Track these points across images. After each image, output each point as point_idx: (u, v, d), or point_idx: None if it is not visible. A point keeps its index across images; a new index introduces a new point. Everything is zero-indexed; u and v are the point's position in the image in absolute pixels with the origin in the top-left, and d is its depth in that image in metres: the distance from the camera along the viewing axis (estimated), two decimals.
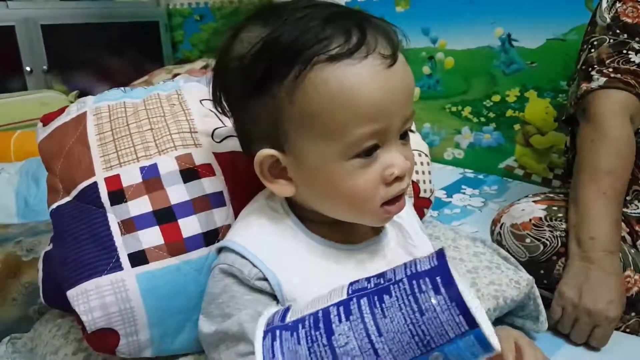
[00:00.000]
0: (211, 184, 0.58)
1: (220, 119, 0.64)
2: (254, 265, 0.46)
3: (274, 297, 0.46)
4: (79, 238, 0.54)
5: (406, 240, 0.55)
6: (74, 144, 0.60)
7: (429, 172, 0.81)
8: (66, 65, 2.11)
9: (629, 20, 0.90)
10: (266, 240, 0.49)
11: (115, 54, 2.20)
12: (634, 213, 0.92)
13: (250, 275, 0.46)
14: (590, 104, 0.86)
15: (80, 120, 0.62)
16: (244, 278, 0.46)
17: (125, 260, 0.53)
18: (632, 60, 0.88)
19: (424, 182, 0.80)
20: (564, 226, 0.83)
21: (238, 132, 0.53)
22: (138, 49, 2.27)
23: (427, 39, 1.62)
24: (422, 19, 1.62)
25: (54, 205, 0.58)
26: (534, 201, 0.92)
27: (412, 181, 0.78)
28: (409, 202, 0.63)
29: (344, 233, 0.51)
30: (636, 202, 0.92)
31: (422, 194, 0.80)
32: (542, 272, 0.83)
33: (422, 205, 0.80)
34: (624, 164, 0.82)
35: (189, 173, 0.58)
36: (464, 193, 1.42)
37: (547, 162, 1.45)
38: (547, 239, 0.83)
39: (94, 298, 0.51)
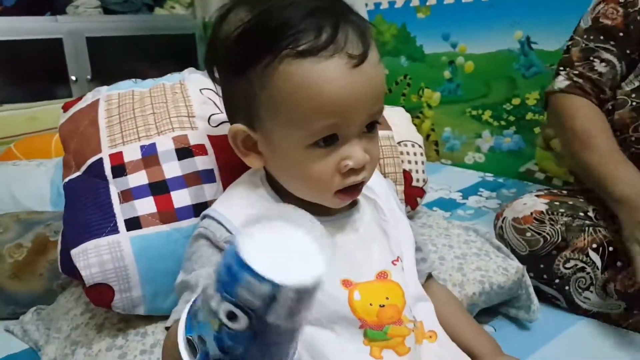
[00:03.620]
0: (203, 162, 0.64)
1: (217, 106, 0.70)
2: (227, 230, 0.51)
3: None
4: (85, 205, 0.61)
5: (380, 216, 0.58)
6: (87, 126, 0.67)
7: (422, 162, 0.83)
8: (108, 75, 2.19)
9: (608, 22, 0.93)
10: (243, 209, 0.53)
11: (153, 64, 2.32)
12: None
13: (221, 238, 0.51)
14: (552, 103, 0.99)
15: (93, 106, 0.70)
16: (215, 240, 0.51)
17: (121, 225, 0.59)
18: (595, 68, 0.93)
19: (417, 171, 0.82)
20: (564, 219, 0.83)
21: (224, 103, 0.58)
22: (175, 59, 2.39)
23: (447, 44, 1.64)
24: (442, 25, 1.64)
25: (67, 179, 0.66)
26: (536, 195, 0.92)
27: (404, 170, 0.81)
28: (389, 183, 0.66)
29: (316, 205, 0.54)
30: None
31: (414, 183, 0.82)
32: (542, 266, 0.83)
33: (414, 194, 0.83)
34: (597, 125, 0.88)
35: (184, 152, 0.64)
36: (480, 195, 1.41)
37: (567, 166, 1.42)
38: (547, 233, 0.83)
39: (93, 256, 0.58)
